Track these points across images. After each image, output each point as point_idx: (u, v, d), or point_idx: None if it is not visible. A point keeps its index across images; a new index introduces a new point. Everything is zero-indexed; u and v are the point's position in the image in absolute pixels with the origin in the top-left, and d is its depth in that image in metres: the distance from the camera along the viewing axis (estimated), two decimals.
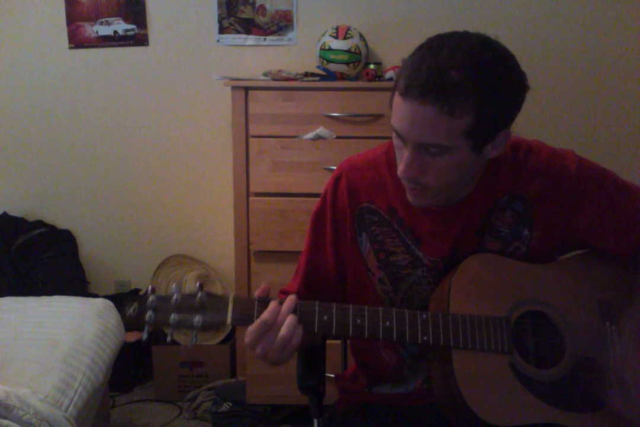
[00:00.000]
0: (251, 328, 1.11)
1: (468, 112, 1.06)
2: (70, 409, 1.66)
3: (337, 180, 1.32)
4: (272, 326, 1.10)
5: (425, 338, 1.15)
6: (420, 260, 1.28)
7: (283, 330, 1.10)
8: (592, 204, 1.26)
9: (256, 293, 1.13)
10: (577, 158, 1.27)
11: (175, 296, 1.09)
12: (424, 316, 1.16)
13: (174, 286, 1.12)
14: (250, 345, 1.13)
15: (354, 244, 1.31)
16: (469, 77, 1.04)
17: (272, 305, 1.11)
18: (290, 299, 1.13)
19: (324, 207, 1.33)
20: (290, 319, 1.11)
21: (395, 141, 1.16)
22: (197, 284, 1.12)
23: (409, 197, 1.22)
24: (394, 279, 1.30)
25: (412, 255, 1.28)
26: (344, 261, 1.33)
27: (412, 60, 1.08)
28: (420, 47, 1.10)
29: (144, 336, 1.10)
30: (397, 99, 1.09)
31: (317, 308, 1.13)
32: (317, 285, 1.36)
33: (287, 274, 1.44)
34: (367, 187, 1.30)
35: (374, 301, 1.32)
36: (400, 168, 1.14)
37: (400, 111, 1.09)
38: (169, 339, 1.13)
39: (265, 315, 1.10)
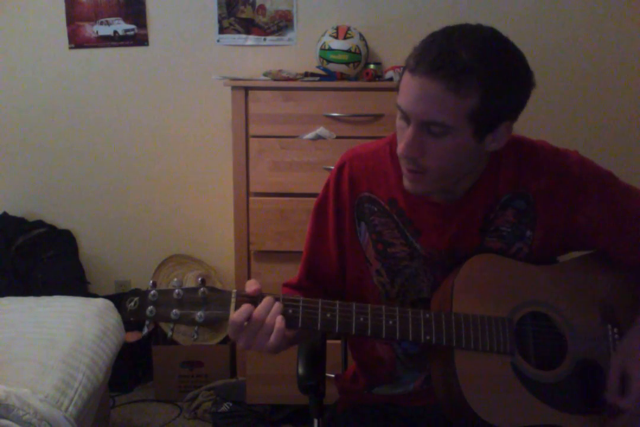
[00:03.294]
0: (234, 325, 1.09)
1: (474, 93, 1.07)
2: (70, 409, 1.66)
3: (340, 169, 1.33)
4: (256, 325, 1.09)
5: (427, 337, 1.15)
6: (417, 251, 1.28)
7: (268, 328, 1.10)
8: (594, 204, 1.25)
9: (253, 289, 1.11)
10: (580, 158, 1.27)
11: (177, 290, 1.08)
12: (427, 315, 1.16)
13: (175, 280, 1.11)
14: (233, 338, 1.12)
15: (353, 233, 1.31)
16: (478, 59, 1.06)
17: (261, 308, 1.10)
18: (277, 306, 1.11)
19: (327, 196, 1.33)
20: (277, 321, 1.10)
21: (399, 122, 1.16)
22: (199, 279, 1.10)
23: (405, 183, 1.21)
24: (391, 271, 1.30)
25: (410, 247, 1.28)
26: (345, 250, 1.33)
27: (424, 42, 1.11)
28: (432, 33, 1.12)
29: (145, 331, 1.09)
30: (406, 76, 1.11)
31: (320, 305, 1.13)
32: (318, 274, 1.37)
33: (287, 274, 1.44)
34: (369, 176, 1.30)
35: (371, 292, 1.32)
36: (401, 146, 1.14)
37: (407, 88, 1.10)
38: (169, 334, 1.13)
39: (256, 315, 1.09)
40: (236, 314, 1.08)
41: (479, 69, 1.06)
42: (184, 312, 1.08)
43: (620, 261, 1.30)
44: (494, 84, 1.08)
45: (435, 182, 1.19)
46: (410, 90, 1.10)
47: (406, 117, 1.13)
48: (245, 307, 1.09)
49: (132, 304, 1.09)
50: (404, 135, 1.14)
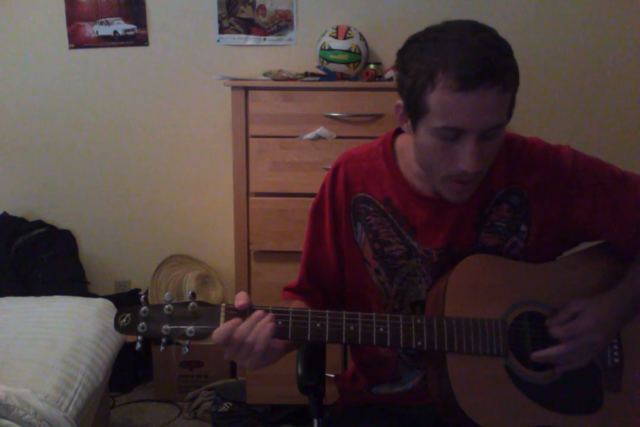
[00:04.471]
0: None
1: (513, 86, 1.10)
2: (70, 409, 1.66)
3: (335, 171, 1.34)
4: (242, 343, 1.08)
5: (419, 343, 1.15)
6: (414, 250, 1.28)
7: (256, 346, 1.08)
8: (589, 196, 1.25)
9: (240, 304, 1.11)
10: (572, 151, 1.27)
11: (167, 306, 1.09)
12: (418, 321, 1.16)
13: (167, 294, 1.12)
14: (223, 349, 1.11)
15: (350, 234, 1.32)
16: (505, 54, 1.08)
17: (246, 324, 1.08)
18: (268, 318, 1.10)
19: (323, 198, 1.34)
20: (263, 337, 1.08)
21: (439, 142, 1.12)
22: (190, 293, 1.11)
23: (453, 197, 1.19)
24: (389, 270, 1.30)
25: (406, 245, 1.29)
26: (343, 251, 1.34)
27: (439, 57, 1.08)
28: (429, 42, 1.12)
29: (138, 346, 1.10)
30: (449, 96, 1.06)
31: (309, 315, 1.13)
32: (318, 276, 1.37)
33: (287, 274, 1.45)
34: (363, 177, 1.31)
35: (371, 292, 1.32)
36: (471, 162, 1.10)
37: (459, 106, 1.07)
38: (161, 349, 1.13)
39: (237, 334, 1.08)
40: (216, 334, 1.07)
41: (509, 62, 1.08)
42: (174, 327, 1.09)
43: (622, 252, 1.29)
44: (517, 71, 1.11)
45: (478, 183, 1.20)
46: (463, 107, 1.07)
47: (455, 134, 1.10)
48: (228, 325, 1.07)
49: (124, 320, 1.10)
50: (459, 153, 1.11)
